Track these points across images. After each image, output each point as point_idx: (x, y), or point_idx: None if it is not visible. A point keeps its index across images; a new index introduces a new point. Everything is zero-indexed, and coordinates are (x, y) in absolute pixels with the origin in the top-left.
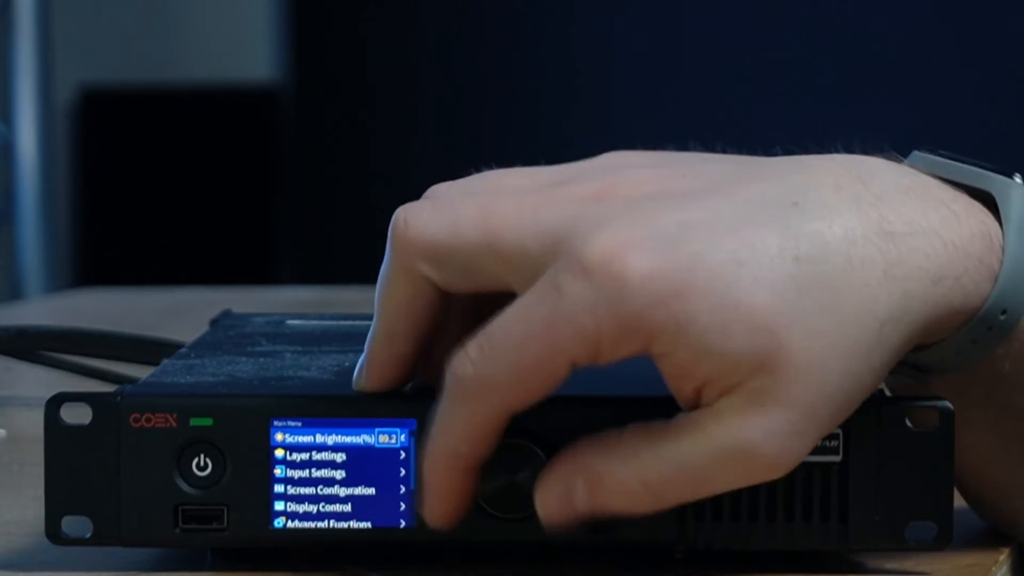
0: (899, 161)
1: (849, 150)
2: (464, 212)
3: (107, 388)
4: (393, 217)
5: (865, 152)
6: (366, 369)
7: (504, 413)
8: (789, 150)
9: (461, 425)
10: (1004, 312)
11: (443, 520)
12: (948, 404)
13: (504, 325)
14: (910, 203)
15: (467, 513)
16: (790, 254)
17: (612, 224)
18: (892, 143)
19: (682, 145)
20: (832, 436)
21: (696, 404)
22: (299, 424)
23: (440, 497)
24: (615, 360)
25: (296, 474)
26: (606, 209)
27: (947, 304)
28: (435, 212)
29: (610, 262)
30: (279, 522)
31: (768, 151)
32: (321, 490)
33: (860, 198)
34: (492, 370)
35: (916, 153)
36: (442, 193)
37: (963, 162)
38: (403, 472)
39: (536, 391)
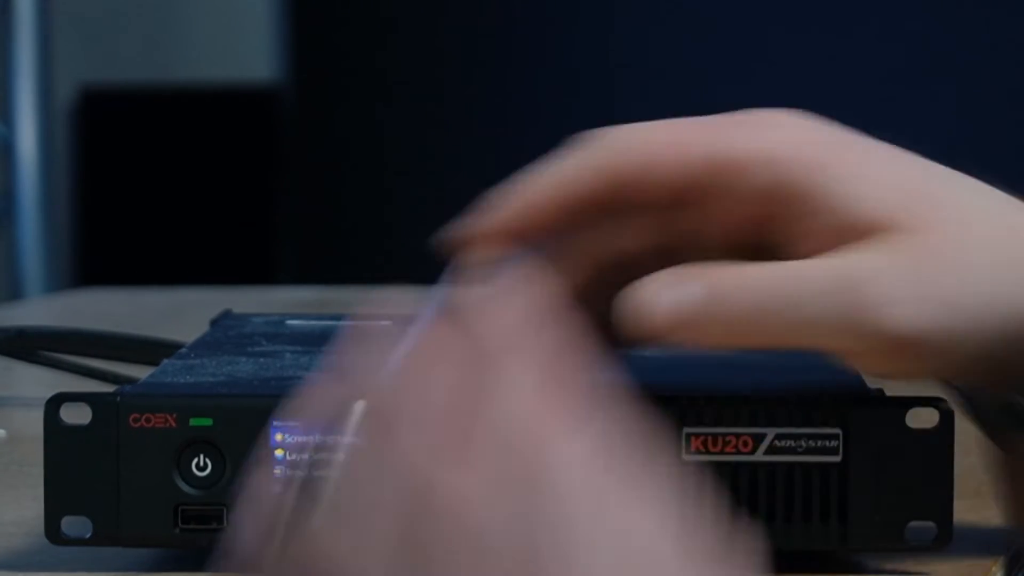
0: None
1: None
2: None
3: (107, 388)
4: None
5: None
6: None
7: (621, 167)
8: None
9: (575, 158)
10: None
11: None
12: (948, 404)
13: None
14: None
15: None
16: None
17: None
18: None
19: None
20: (832, 436)
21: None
22: (299, 424)
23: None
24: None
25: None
26: None
27: None
28: None
29: (804, 117)
30: None
31: None
32: None
33: None
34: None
35: None
36: None
37: None
38: None
39: (661, 178)
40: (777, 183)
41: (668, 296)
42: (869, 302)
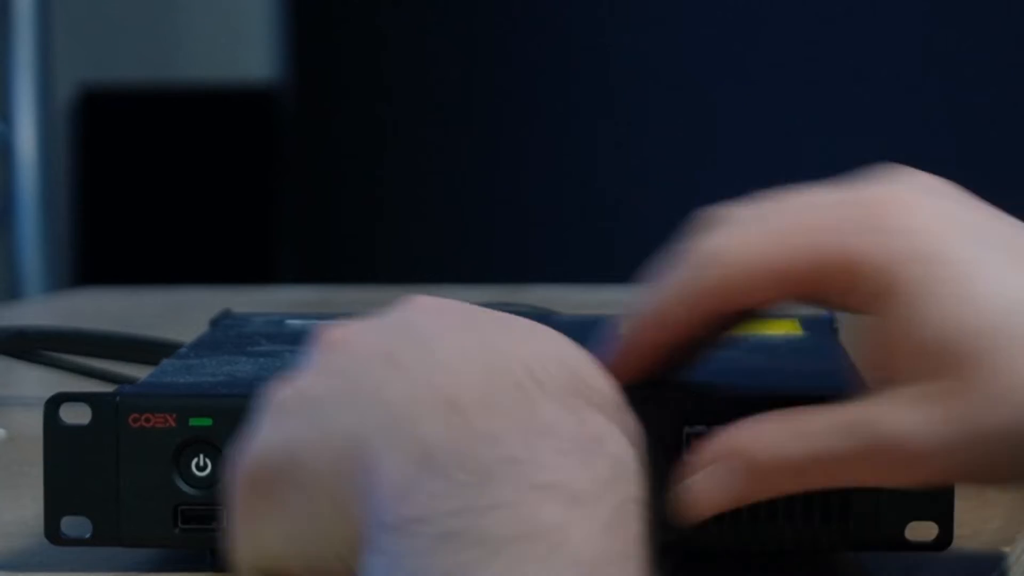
0: None
1: None
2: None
3: (107, 388)
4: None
5: None
6: (615, 355)
7: (723, 292)
8: None
9: (678, 286)
10: None
11: (626, 375)
12: None
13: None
14: None
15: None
16: None
17: (917, 180)
18: (891, 147)
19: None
20: None
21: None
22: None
23: (626, 350)
24: (839, 303)
25: None
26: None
27: None
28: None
29: (897, 198)
30: None
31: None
32: None
33: None
34: (741, 234)
35: None
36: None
37: None
38: None
39: (763, 287)
40: (878, 294)
41: (707, 496)
42: (901, 456)
